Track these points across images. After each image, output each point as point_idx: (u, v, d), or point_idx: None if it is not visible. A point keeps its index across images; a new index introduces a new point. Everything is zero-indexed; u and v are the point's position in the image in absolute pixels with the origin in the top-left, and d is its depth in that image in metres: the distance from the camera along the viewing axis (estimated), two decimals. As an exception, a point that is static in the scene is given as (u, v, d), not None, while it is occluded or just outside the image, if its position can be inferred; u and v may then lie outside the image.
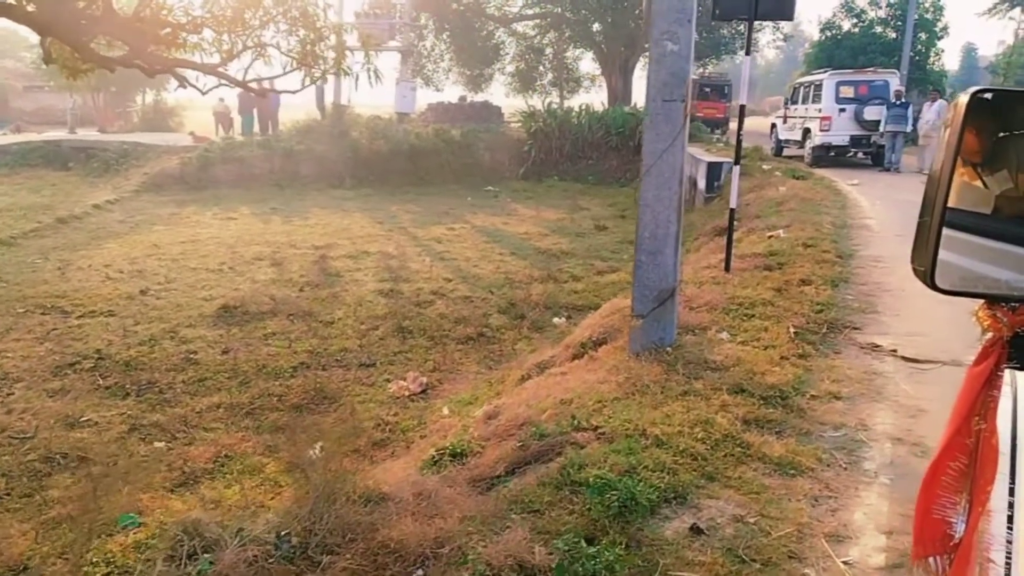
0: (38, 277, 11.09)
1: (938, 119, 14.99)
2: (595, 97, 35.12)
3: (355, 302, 10.07)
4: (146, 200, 19.03)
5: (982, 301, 1.35)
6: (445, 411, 6.38)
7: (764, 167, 15.91)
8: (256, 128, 25.85)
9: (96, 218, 16.30)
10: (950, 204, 1.30)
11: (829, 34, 27.75)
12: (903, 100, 16.09)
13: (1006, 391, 1.34)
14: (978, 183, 1.45)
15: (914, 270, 1.39)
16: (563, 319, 9.27)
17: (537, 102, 28.27)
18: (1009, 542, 1.03)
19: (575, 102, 34.18)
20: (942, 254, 1.33)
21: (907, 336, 4.97)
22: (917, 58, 25.83)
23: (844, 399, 3.88)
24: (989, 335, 1.32)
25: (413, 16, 30.24)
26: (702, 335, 4.91)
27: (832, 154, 16.89)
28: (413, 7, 29.97)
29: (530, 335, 8.95)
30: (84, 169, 22.54)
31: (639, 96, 31.52)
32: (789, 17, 6.35)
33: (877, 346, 4.72)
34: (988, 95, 1.33)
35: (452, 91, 36.12)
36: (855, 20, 27.30)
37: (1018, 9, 27.13)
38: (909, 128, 16.43)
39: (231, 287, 10.69)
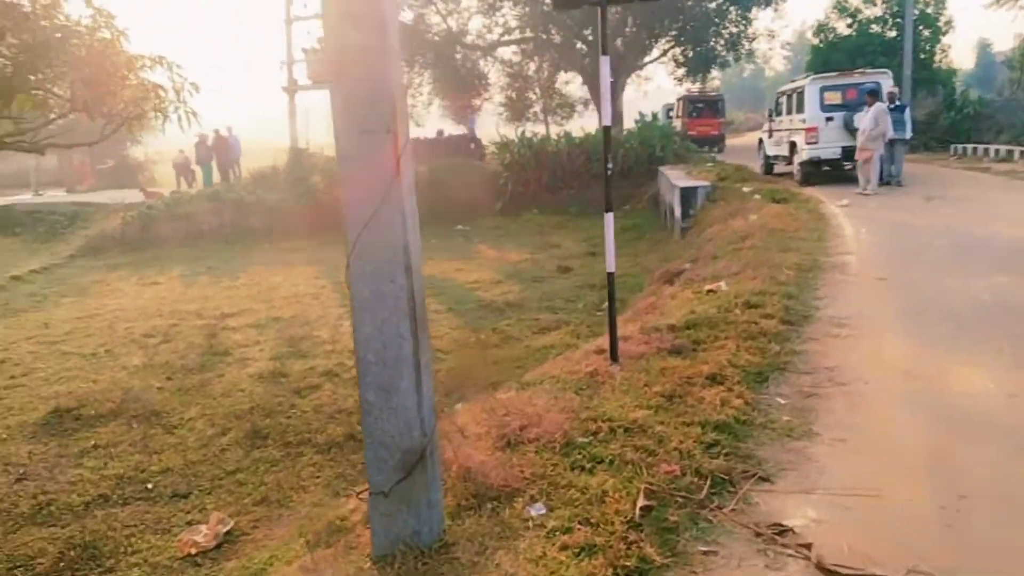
0: None
1: (875, 128, 12.84)
2: (589, 122, 33.36)
3: (223, 392, 8.29)
4: (78, 266, 17.55)
5: None
6: (218, 588, 4.48)
7: (744, 189, 13.91)
8: (217, 178, 24.46)
9: (7, 292, 14.76)
10: None
11: (823, 37, 25.71)
12: (899, 102, 14.03)
13: None
14: None
15: None
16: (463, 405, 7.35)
17: (530, 131, 26.59)
18: None
19: (571, 128, 32.61)
20: None
21: (845, 496, 2.97)
22: (922, 56, 23.70)
23: None
24: None
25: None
26: (501, 510, 2.98)
27: (825, 169, 14.83)
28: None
29: (416, 432, 7.02)
30: (31, 234, 21.18)
31: (629, 120, 29.76)
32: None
33: (784, 531, 2.75)
34: None
35: (438, 124, 34.61)
36: (850, 20, 25.25)
37: (1028, -2, 24.94)
38: (910, 134, 14.35)
39: (90, 379, 8.96)
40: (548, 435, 3.55)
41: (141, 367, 9.33)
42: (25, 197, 26.94)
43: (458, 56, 32.89)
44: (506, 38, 32.88)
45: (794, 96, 15.47)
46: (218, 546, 5.18)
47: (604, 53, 4.31)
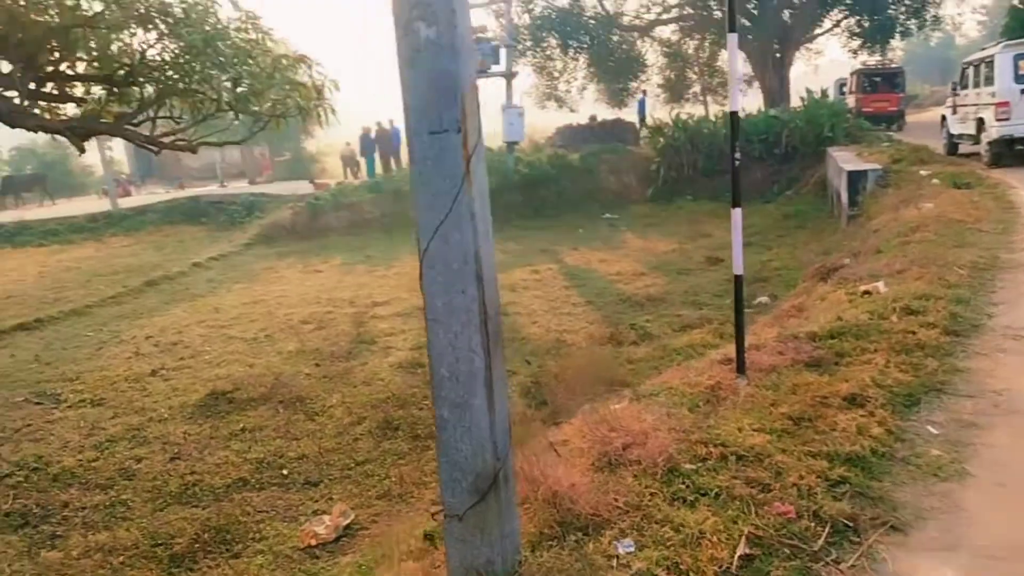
0: (71, 355, 10.57)
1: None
2: (751, 101, 31.72)
3: (364, 380, 8.57)
4: (252, 254, 18.85)
5: None
6: (328, 585, 4.56)
7: (921, 173, 12.60)
8: (379, 169, 25.49)
9: (188, 278, 16.11)
10: None
11: (1025, -2, 22.80)
12: (1116, 70, 12.12)
13: None
14: None
15: None
16: (588, 408, 7.13)
17: (687, 112, 25.78)
18: None
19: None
20: None
21: (998, 559, 2.46)
22: None
23: None
24: None
25: (541, 37, 28.85)
26: (585, 544, 2.73)
27: (1019, 149, 13.12)
28: (536, 27, 28.65)
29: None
30: (213, 223, 23.03)
31: (796, 98, 27.95)
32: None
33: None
34: None
35: (591, 110, 34.20)
36: (1060, -24, 22.24)
37: None
38: None
39: (247, 363, 9.54)
40: (651, 458, 3.26)
41: (294, 353, 9.83)
42: (212, 188, 29.38)
43: (615, 38, 32.23)
44: (664, 16, 31.83)
45: (982, 66, 13.77)
46: (337, 539, 5.29)
47: (732, 30, 3.89)
